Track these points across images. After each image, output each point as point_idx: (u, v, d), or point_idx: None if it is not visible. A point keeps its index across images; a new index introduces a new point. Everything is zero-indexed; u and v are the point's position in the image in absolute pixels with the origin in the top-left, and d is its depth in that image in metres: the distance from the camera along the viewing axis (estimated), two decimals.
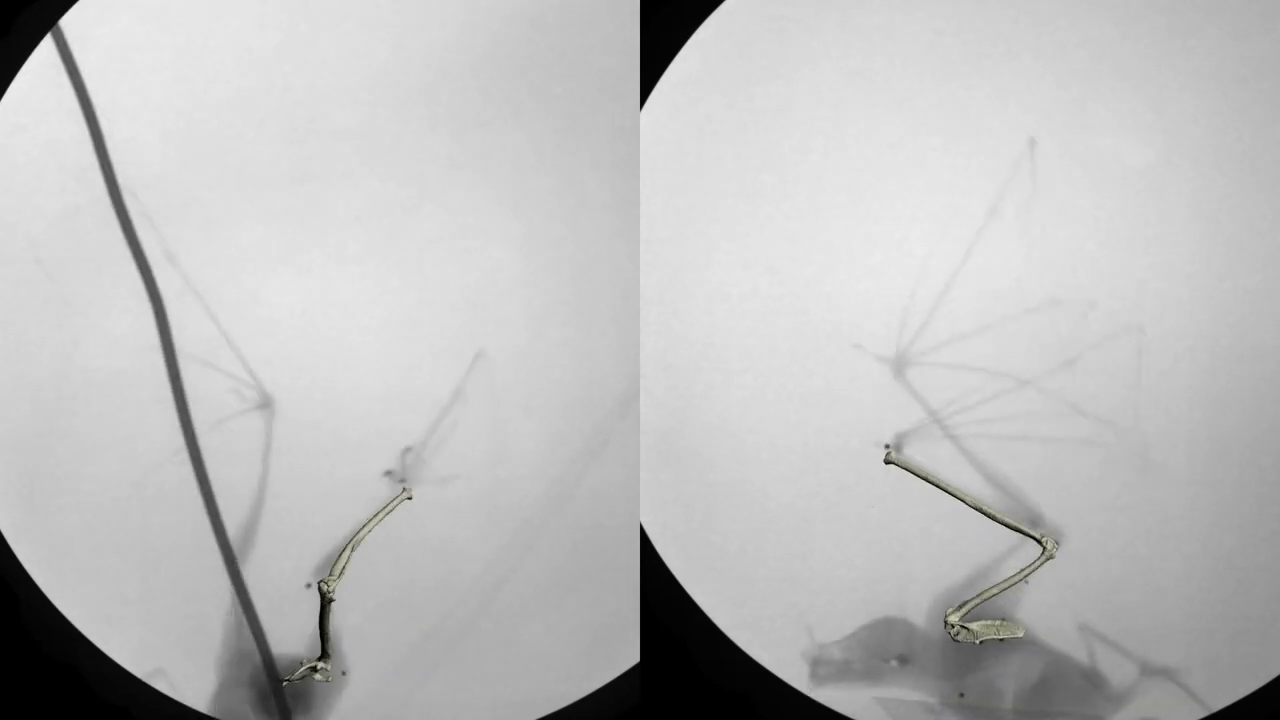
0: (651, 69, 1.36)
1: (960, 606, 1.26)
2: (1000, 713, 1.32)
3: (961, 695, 1.33)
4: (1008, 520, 1.27)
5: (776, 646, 1.36)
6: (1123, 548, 1.30)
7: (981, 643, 1.27)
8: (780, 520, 1.36)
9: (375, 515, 1.33)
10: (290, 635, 1.38)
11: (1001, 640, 1.28)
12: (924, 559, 1.34)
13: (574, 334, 1.38)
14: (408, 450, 1.36)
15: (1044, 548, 1.26)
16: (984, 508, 1.27)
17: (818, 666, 1.34)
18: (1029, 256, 1.31)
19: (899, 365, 1.33)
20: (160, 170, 1.35)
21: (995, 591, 1.27)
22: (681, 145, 1.36)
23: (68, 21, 1.34)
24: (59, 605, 1.35)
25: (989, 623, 1.28)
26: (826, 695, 1.34)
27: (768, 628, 1.36)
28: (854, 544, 1.35)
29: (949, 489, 1.28)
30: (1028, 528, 1.27)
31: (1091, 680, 1.30)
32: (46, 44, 1.34)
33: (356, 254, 1.37)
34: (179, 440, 1.36)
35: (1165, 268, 1.28)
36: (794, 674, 1.36)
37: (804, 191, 1.35)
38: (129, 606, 1.36)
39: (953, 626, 1.26)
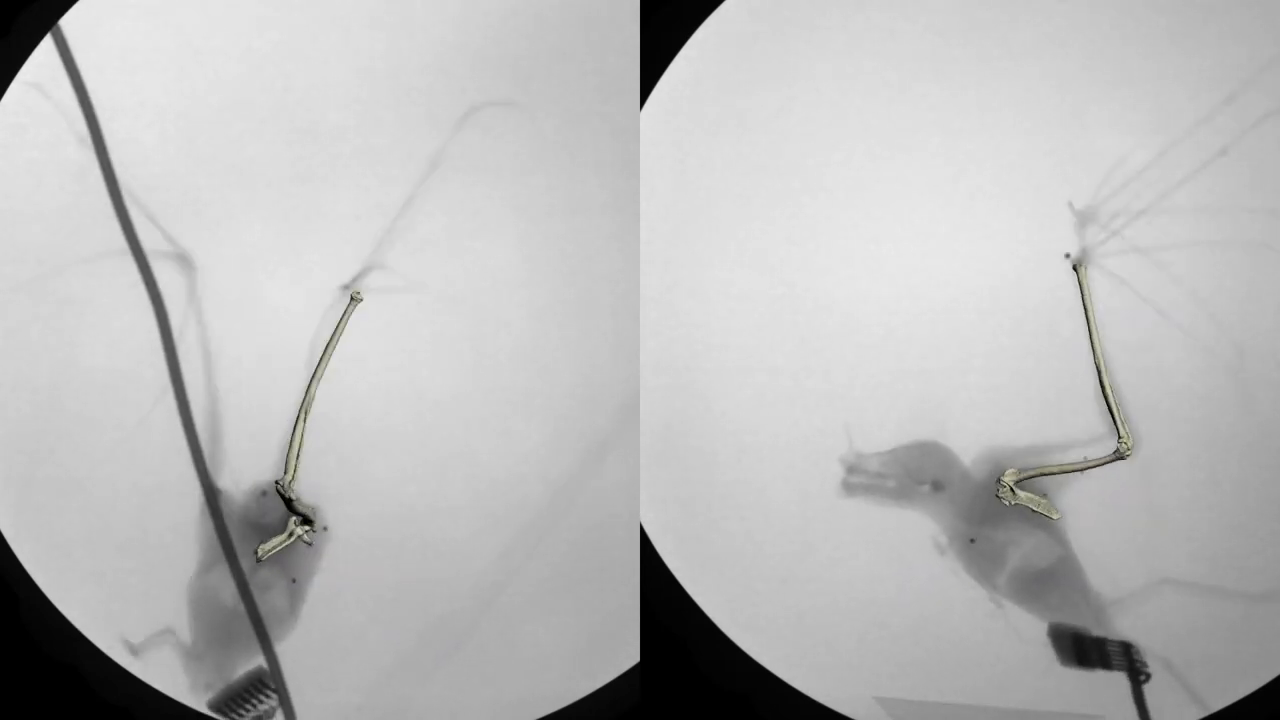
0: (651, 69, 1.36)
1: (1020, 471, 1.28)
2: (993, 580, 1.31)
3: (972, 541, 1.32)
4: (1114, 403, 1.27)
5: (776, 646, 1.36)
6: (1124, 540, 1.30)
7: (1014, 505, 1.27)
8: (780, 520, 1.36)
9: (332, 335, 1.33)
10: (300, 628, 1.38)
11: (1034, 513, 1.29)
12: (924, 558, 1.34)
13: (574, 334, 1.38)
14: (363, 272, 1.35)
15: (1119, 448, 1.27)
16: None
17: (852, 474, 1.33)
18: (1029, 255, 1.31)
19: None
20: (160, 170, 1.35)
21: (1056, 470, 1.29)
22: (681, 145, 1.37)
23: (68, 21, 1.34)
24: (59, 605, 1.35)
25: (1033, 495, 1.29)
26: (853, 507, 1.33)
27: (768, 628, 1.36)
28: (854, 544, 1.35)
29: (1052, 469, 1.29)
30: (1122, 424, 1.28)
31: (1087, 598, 1.30)
32: (47, 44, 1.34)
33: (356, 254, 1.37)
34: (179, 440, 1.36)
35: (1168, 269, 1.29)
36: (794, 674, 1.36)
37: (804, 191, 1.35)
38: (129, 606, 1.36)
39: (1003, 485, 1.28)
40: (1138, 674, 1.29)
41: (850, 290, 1.35)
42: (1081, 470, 1.29)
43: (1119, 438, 1.28)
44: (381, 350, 1.37)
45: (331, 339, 1.30)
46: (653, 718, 1.36)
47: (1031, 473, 1.29)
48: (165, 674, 1.37)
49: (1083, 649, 1.30)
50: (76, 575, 1.35)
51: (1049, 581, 1.31)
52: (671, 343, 1.37)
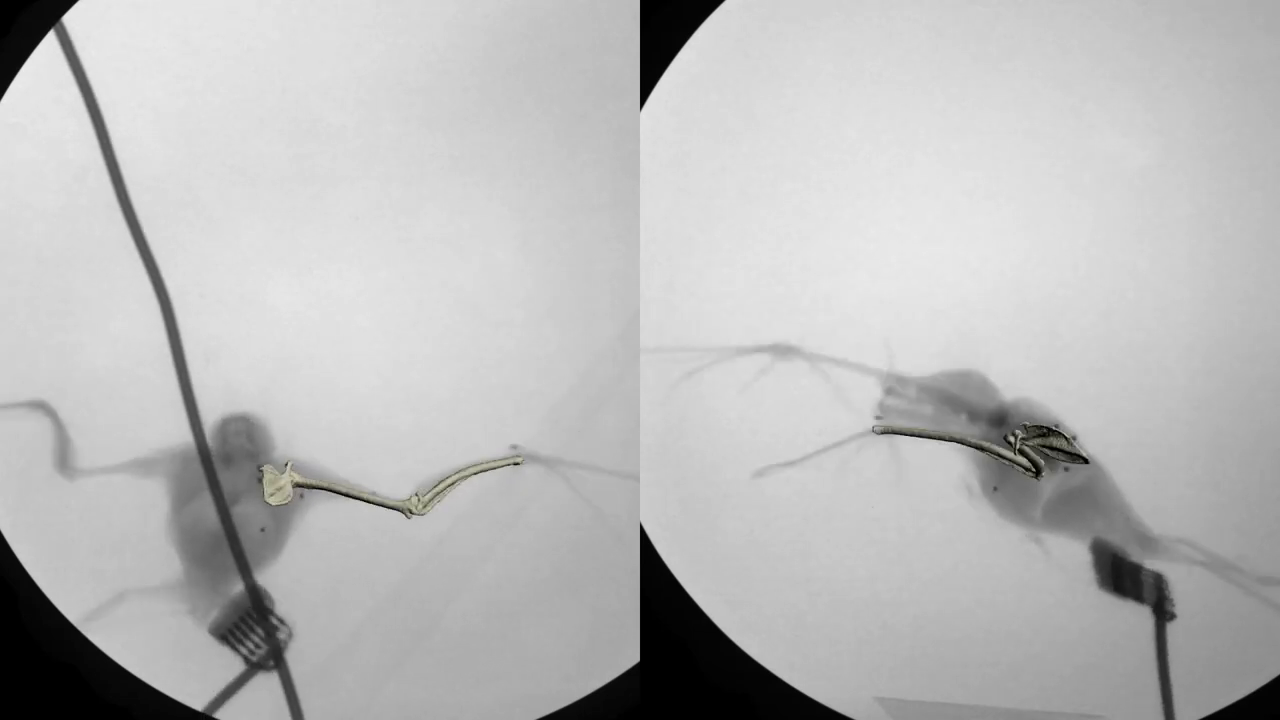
0: (651, 69, 1.36)
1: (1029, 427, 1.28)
2: (1027, 515, 1.30)
3: (995, 489, 1.31)
4: (1000, 451, 1.27)
5: (776, 646, 1.36)
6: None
7: (1047, 444, 1.28)
8: (780, 520, 1.36)
9: (481, 466, 1.34)
10: (301, 634, 1.38)
11: (1066, 453, 1.28)
12: (925, 558, 1.34)
13: (574, 334, 1.38)
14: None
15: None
16: (977, 441, 1.27)
17: (888, 396, 1.32)
18: (1028, 257, 1.31)
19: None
20: (161, 170, 1.35)
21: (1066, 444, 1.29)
22: (681, 145, 1.37)
23: (69, 21, 1.34)
24: (59, 605, 1.35)
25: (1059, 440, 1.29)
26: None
27: (768, 628, 1.36)
28: (854, 544, 1.35)
29: (940, 434, 1.28)
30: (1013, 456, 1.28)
31: (1128, 517, 1.29)
32: (47, 43, 1.34)
33: (356, 254, 1.37)
34: (179, 440, 1.36)
35: (1163, 267, 1.29)
36: (794, 674, 1.36)
37: (804, 191, 1.35)
38: (129, 606, 1.36)
39: (1017, 436, 1.28)
40: (1164, 610, 1.28)
41: (850, 290, 1.35)
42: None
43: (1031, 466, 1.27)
44: (382, 350, 1.37)
45: (473, 468, 1.35)
46: (653, 718, 1.36)
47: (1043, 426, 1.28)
48: (165, 673, 1.37)
49: (1119, 571, 1.29)
50: (76, 575, 1.35)
51: (1076, 515, 1.29)
52: (671, 342, 1.37)
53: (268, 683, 1.38)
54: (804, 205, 1.35)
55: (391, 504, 1.32)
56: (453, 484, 1.31)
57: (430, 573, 1.38)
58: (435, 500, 1.30)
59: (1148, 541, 1.28)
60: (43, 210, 1.35)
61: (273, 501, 1.33)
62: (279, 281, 1.36)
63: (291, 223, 1.36)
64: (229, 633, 1.35)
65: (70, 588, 1.35)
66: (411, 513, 1.30)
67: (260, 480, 1.33)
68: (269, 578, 1.36)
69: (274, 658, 1.36)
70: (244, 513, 1.34)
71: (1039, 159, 1.31)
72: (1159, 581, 1.28)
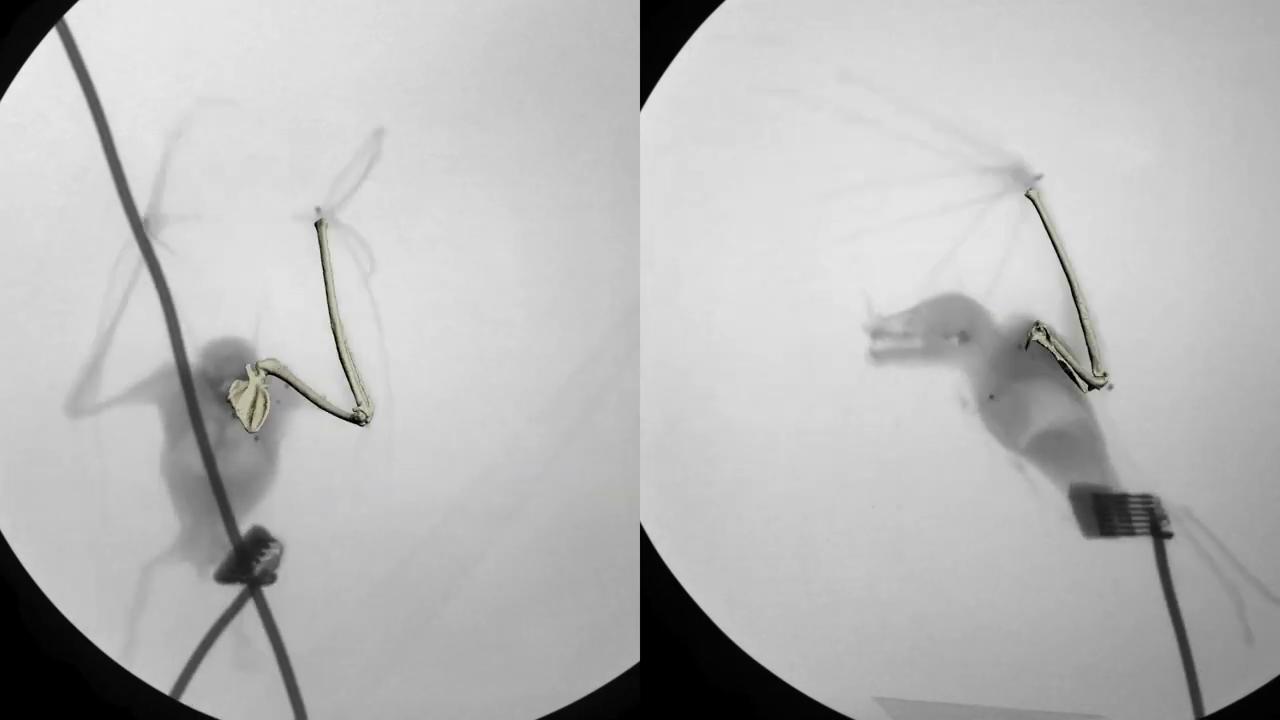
0: (651, 69, 1.36)
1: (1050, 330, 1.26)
2: (1012, 434, 1.29)
3: (991, 397, 1.30)
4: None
5: (776, 646, 1.36)
6: None
7: (1057, 355, 1.26)
8: (780, 520, 1.36)
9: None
10: (302, 631, 1.38)
11: (1065, 370, 1.26)
12: (924, 559, 1.34)
13: (574, 334, 1.38)
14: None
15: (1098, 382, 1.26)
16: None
17: (877, 339, 1.31)
18: (1028, 257, 1.31)
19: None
20: (161, 170, 1.35)
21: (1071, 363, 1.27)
22: (681, 145, 1.37)
23: (69, 20, 1.34)
24: (59, 605, 1.35)
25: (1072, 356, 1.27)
26: (883, 374, 1.31)
27: (768, 628, 1.36)
28: (854, 543, 1.35)
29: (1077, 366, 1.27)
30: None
31: (1104, 467, 1.28)
32: (47, 43, 1.34)
33: (357, 254, 1.37)
34: (179, 440, 1.36)
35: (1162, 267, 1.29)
36: (794, 674, 1.36)
37: (804, 191, 1.35)
38: (128, 606, 1.36)
39: (1040, 329, 1.26)
40: (1160, 530, 1.26)
41: (851, 290, 1.35)
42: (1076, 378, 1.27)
43: (1094, 370, 1.25)
44: (382, 350, 1.37)
45: (324, 270, 1.31)
46: (653, 718, 1.36)
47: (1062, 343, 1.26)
48: (165, 673, 1.37)
49: (1104, 508, 1.27)
50: (76, 575, 1.35)
51: (1068, 448, 1.28)
52: (671, 343, 1.37)
53: (268, 681, 1.38)
54: (804, 204, 1.35)
55: (344, 415, 1.32)
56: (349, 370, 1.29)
57: (430, 572, 1.38)
58: (369, 403, 1.29)
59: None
60: (43, 210, 1.35)
61: (255, 427, 1.32)
62: (279, 281, 1.36)
63: (291, 223, 1.36)
64: (234, 570, 1.35)
65: (70, 588, 1.35)
66: (365, 420, 1.30)
67: (234, 414, 1.32)
68: (263, 507, 1.36)
69: (268, 576, 1.35)
70: (233, 437, 1.33)
71: (1039, 159, 1.31)
72: (1149, 502, 1.27)
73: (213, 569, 1.35)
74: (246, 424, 1.32)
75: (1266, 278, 1.27)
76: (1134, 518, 1.26)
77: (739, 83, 1.35)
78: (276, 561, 1.36)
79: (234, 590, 1.37)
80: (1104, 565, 1.31)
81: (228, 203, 1.35)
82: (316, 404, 1.30)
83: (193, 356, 1.34)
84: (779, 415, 1.35)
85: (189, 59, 1.35)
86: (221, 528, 1.35)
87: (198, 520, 1.36)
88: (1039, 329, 1.25)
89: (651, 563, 1.37)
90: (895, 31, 1.33)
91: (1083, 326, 1.25)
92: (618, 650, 1.39)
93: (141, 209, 1.35)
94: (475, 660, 1.39)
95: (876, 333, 1.30)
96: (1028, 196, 1.25)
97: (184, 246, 1.35)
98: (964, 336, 1.29)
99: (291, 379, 1.31)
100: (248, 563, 1.35)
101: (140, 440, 1.35)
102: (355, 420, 1.30)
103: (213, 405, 1.35)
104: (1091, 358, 1.26)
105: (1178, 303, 1.28)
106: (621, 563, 1.38)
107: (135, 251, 1.35)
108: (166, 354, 1.36)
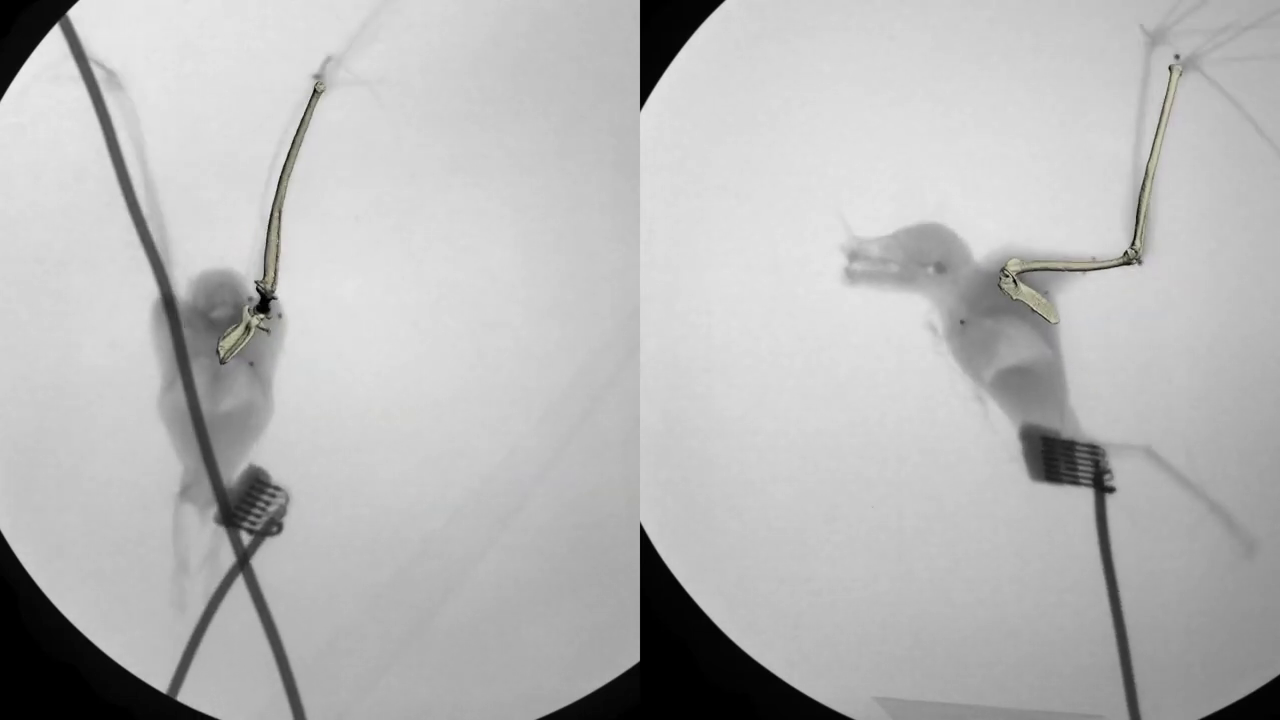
0: (651, 69, 1.36)
1: (1024, 261, 1.26)
2: (980, 372, 1.29)
3: (962, 323, 1.30)
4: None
5: (776, 646, 1.36)
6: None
7: (1016, 299, 1.26)
8: (780, 520, 1.36)
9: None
10: (301, 628, 1.38)
11: (1033, 311, 1.27)
12: (924, 559, 1.34)
13: (574, 334, 1.38)
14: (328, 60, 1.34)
15: (1130, 253, 1.25)
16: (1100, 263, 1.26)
17: (854, 261, 1.31)
18: (1030, 258, 1.31)
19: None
20: (161, 169, 1.35)
21: (1061, 266, 1.26)
22: (681, 145, 1.37)
23: (70, 20, 1.34)
24: (59, 605, 1.35)
25: (1034, 292, 1.27)
26: (859, 295, 1.31)
27: (768, 628, 1.36)
28: (854, 544, 1.35)
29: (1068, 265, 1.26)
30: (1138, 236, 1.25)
31: (1061, 410, 1.28)
32: (48, 43, 1.34)
33: (356, 254, 1.37)
34: (179, 439, 1.36)
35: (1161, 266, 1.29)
36: (794, 674, 1.36)
37: (804, 191, 1.35)
38: (129, 606, 1.36)
39: (1007, 275, 1.26)
40: (1103, 484, 1.26)
41: (851, 290, 1.35)
42: (1085, 271, 1.25)
43: (1133, 242, 1.24)
44: (382, 350, 1.37)
45: (298, 134, 1.29)
46: (653, 718, 1.36)
47: (1038, 265, 1.25)
48: (164, 673, 1.37)
49: (1052, 453, 1.27)
50: (76, 575, 1.35)
51: (1027, 386, 1.27)
52: (671, 343, 1.37)
53: (269, 681, 1.38)
54: (804, 204, 1.35)
55: None
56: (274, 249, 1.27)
57: (430, 572, 1.38)
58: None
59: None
60: (43, 210, 1.35)
61: (226, 343, 1.31)
62: (279, 281, 1.36)
63: (291, 223, 1.36)
64: (234, 514, 1.35)
65: (70, 588, 1.35)
66: (269, 295, 1.27)
67: (222, 348, 1.32)
68: (260, 450, 1.36)
69: (275, 524, 1.35)
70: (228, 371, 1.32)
71: (1039, 159, 1.31)
72: (1095, 453, 1.26)
73: (213, 511, 1.35)
74: (221, 354, 1.31)
75: (1267, 278, 1.27)
76: (1079, 467, 1.26)
77: (739, 83, 1.35)
78: (283, 511, 1.35)
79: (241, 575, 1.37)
80: (1047, 514, 1.31)
81: (228, 203, 1.35)
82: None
83: (183, 290, 1.34)
84: (779, 415, 1.36)
85: (189, 59, 1.35)
86: (222, 471, 1.35)
87: (199, 464, 1.35)
88: (1006, 275, 1.25)
89: (651, 563, 1.37)
90: (894, 32, 1.33)
91: (1139, 208, 1.24)
92: (618, 650, 1.39)
93: (142, 209, 1.35)
94: (475, 660, 1.39)
95: (854, 255, 1.30)
96: (1171, 67, 1.23)
97: (184, 246, 1.35)
98: (940, 267, 1.28)
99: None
100: (251, 509, 1.34)
101: (138, 440, 1.35)
102: (263, 298, 1.27)
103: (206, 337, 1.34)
104: (1137, 231, 1.24)
105: (1178, 302, 1.28)
106: (621, 563, 1.38)
107: (135, 251, 1.35)
108: (160, 359, 1.36)
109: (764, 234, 1.36)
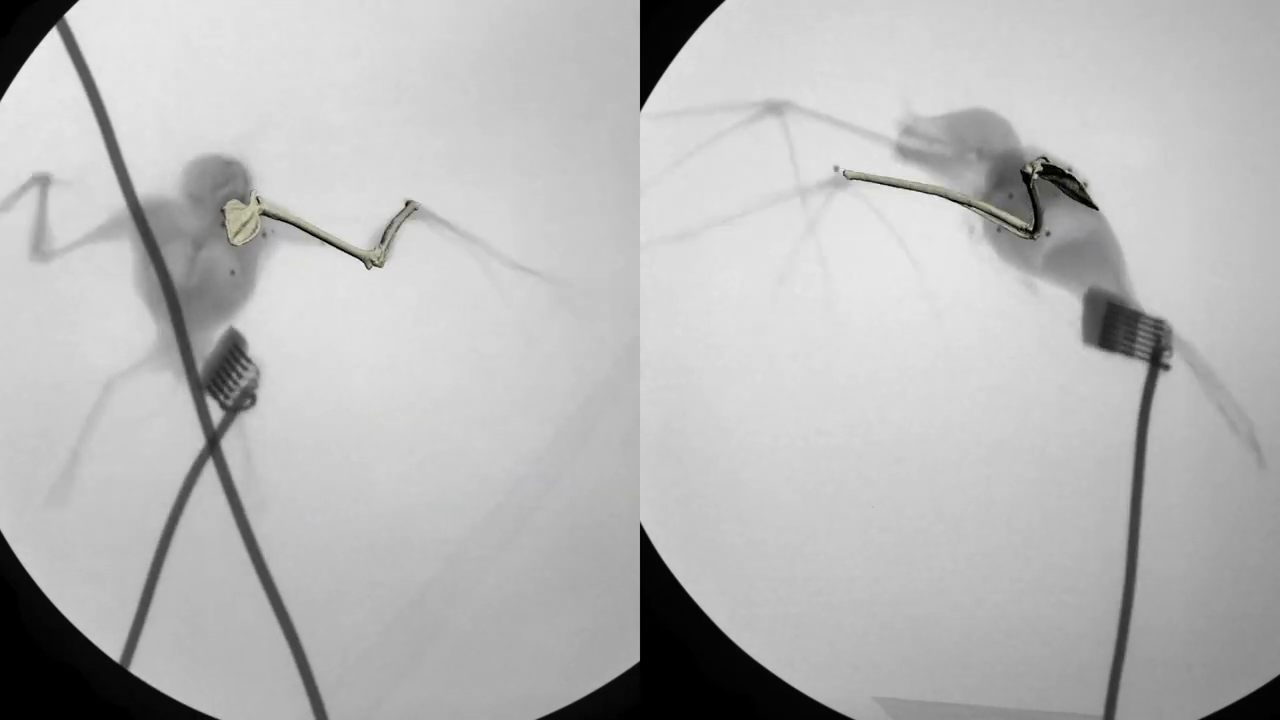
0: (651, 69, 1.36)
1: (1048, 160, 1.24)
2: (1029, 260, 1.26)
3: (999, 230, 1.27)
4: (989, 209, 1.23)
5: (776, 646, 1.36)
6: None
7: (1060, 183, 1.23)
8: (780, 520, 1.36)
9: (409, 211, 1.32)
10: (303, 629, 1.38)
11: (1077, 196, 1.23)
12: (924, 559, 1.34)
13: (574, 334, 1.38)
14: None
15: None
16: (964, 197, 1.24)
17: (907, 136, 1.28)
18: (1029, 258, 1.31)
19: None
20: (161, 169, 1.35)
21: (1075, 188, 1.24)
22: (681, 145, 1.37)
23: (70, 20, 1.34)
24: (59, 605, 1.35)
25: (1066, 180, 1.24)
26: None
27: (768, 628, 1.36)
28: (854, 544, 1.35)
29: (910, 184, 1.25)
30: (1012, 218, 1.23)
31: (1119, 278, 1.26)
32: (48, 42, 1.34)
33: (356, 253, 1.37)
34: (179, 439, 1.36)
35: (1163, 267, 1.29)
36: (794, 674, 1.36)
37: (803, 191, 1.35)
38: (129, 606, 1.36)
39: (1031, 167, 1.23)
40: (1160, 360, 1.22)
41: (851, 290, 1.35)
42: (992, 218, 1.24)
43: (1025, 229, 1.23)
44: (381, 350, 1.37)
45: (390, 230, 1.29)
46: (653, 718, 1.36)
47: (1069, 181, 1.23)
48: (164, 673, 1.37)
49: (1114, 319, 1.23)
50: (76, 575, 1.35)
51: (1084, 255, 1.25)
52: (671, 343, 1.37)
53: (269, 682, 1.38)
54: (803, 204, 1.35)
55: (356, 252, 1.29)
56: (398, 227, 1.27)
57: (430, 573, 1.38)
58: (389, 250, 1.26)
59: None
60: (43, 210, 1.35)
61: (237, 241, 1.30)
62: (279, 281, 1.36)
63: (291, 223, 1.36)
64: (210, 384, 1.34)
65: (70, 588, 1.35)
66: (372, 263, 1.27)
67: (224, 223, 1.31)
68: (241, 321, 1.35)
69: (248, 397, 1.34)
70: (210, 256, 1.31)
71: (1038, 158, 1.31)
72: (1159, 327, 1.23)
73: (187, 377, 1.33)
74: (231, 236, 1.30)
75: (1267, 277, 1.27)
76: (1139, 337, 1.23)
77: (739, 83, 1.35)
78: (255, 384, 1.34)
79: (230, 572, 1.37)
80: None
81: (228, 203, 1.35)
82: (330, 242, 1.26)
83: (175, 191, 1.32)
84: (778, 415, 1.35)
85: (189, 59, 1.35)
86: (193, 334, 1.33)
87: (172, 330, 1.34)
88: (1033, 167, 1.22)
89: (651, 563, 1.37)
90: (894, 32, 1.33)
91: None
92: (618, 650, 1.39)
93: (141, 209, 1.35)
94: (476, 660, 1.39)
95: (907, 130, 1.27)
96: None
97: (184, 246, 1.35)
98: (981, 154, 1.26)
99: (295, 219, 1.29)
100: (225, 379, 1.33)
101: (138, 440, 1.35)
102: (365, 261, 1.26)
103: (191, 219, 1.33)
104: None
105: (1178, 302, 1.28)
106: (621, 563, 1.38)
107: (134, 251, 1.35)
108: (160, 358, 1.36)
109: (764, 234, 1.36)
